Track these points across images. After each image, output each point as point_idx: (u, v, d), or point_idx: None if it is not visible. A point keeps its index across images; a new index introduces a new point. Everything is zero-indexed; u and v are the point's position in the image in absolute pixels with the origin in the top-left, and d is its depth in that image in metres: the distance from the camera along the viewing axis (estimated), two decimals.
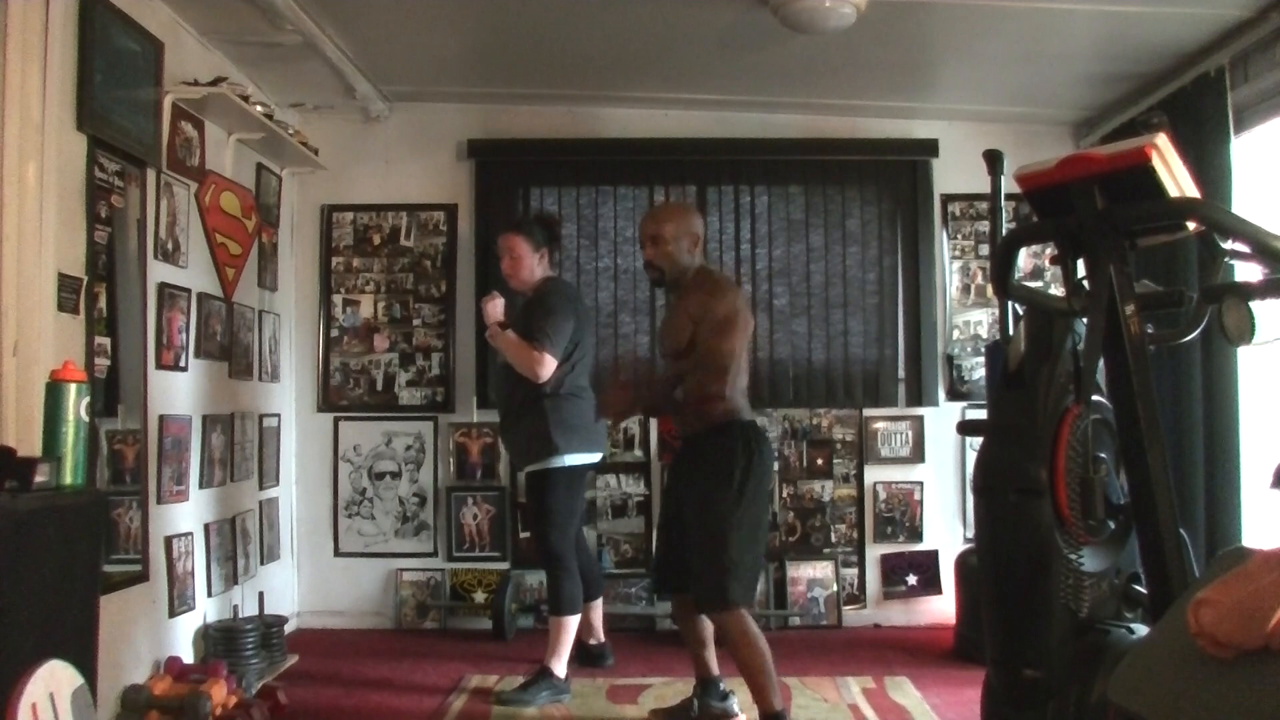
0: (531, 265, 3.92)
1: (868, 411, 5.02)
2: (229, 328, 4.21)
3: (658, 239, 3.34)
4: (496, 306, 3.85)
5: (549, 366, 3.73)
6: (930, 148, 5.04)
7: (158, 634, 3.55)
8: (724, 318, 3.17)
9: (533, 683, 3.72)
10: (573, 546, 3.87)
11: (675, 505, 3.36)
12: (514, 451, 4.08)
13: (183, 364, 3.80)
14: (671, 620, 4.71)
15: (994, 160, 3.64)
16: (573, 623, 3.83)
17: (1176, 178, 2.11)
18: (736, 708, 3.39)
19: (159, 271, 3.63)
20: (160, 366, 3.62)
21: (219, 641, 3.76)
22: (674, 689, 3.80)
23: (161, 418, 3.62)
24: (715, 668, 3.41)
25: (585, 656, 4.14)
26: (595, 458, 4.02)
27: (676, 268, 3.35)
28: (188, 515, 3.83)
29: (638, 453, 5.01)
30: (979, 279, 5.07)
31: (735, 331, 3.18)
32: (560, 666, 3.77)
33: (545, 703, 3.67)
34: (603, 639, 4.21)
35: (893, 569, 4.98)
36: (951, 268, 5.09)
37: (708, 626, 3.35)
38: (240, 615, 4.09)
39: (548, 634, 3.85)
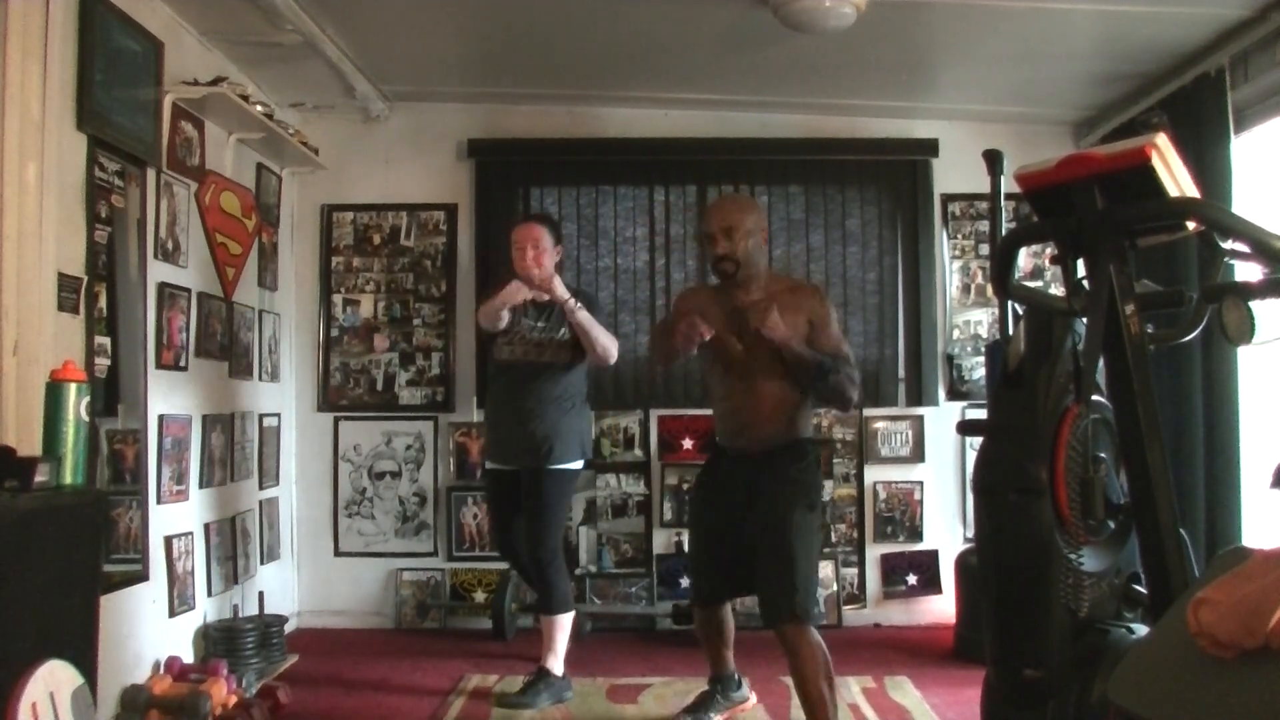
0: (552, 259, 3.86)
1: (868, 411, 5.02)
2: (229, 327, 4.21)
3: (732, 232, 3.12)
4: (558, 279, 3.76)
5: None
6: (930, 148, 5.04)
7: (158, 634, 3.54)
8: (838, 325, 3.22)
9: (531, 685, 3.70)
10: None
11: (735, 519, 3.15)
12: (526, 449, 3.80)
13: (183, 364, 3.80)
14: (685, 621, 4.72)
15: (994, 160, 3.63)
16: (568, 620, 3.82)
17: (1176, 178, 2.11)
18: (748, 690, 3.54)
19: (159, 271, 3.63)
20: (160, 366, 3.62)
21: (219, 641, 3.76)
22: (674, 689, 3.80)
23: (161, 418, 3.62)
24: (732, 664, 3.50)
25: None
26: None
27: (750, 263, 3.15)
28: (188, 515, 3.83)
29: (638, 452, 5.01)
30: (979, 279, 5.07)
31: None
32: (558, 665, 3.76)
33: (547, 704, 3.66)
34: None
35: (893, 569, 4.98)
36: (951, 268, 5.09)
37: (731, 627, 3.42)
38: (240, 615, 4.09)
39: (541, 633, 3.84)
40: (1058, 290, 2.92)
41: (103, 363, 3.22)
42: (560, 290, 3.71)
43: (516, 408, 3.85)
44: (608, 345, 3.79)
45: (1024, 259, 4.86)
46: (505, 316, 3.78)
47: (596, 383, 4.11)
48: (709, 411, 3.50)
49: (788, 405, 3.14)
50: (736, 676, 3.54)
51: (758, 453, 3.14)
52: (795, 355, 3.05)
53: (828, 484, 4.97)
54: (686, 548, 4.39)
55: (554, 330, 3.83)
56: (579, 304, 3.72)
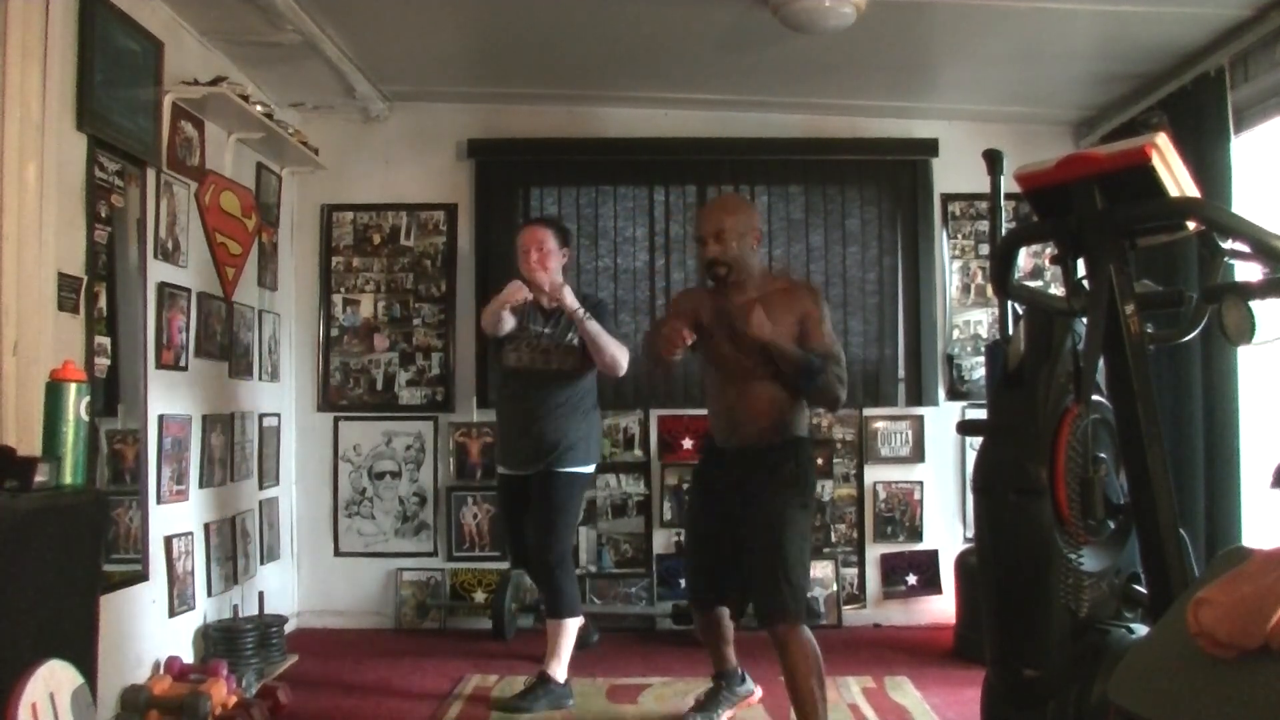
0: (559, 262, 3.84)
1: (868, 411, 5.02)
2: (229, 327, 4.21)
3: (722, 235, 3.13)
4: (567, 288, 3.69)
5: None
6: (930, 148, 5.03)
7: (158, 634, 3.54)
8: (831, 325, 3.19)
9: (531, 690, 3.64)
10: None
11: (730, 518, 3.16)
12: (536, 454, 3.77)
13: (183, 364, 3.80)
14: (685, 621, 4.72)
15: (994, 160, 3.63)
16: (574, 626, 3.75)
17: (1176, 177, 2.11)
18: (753, 684, 3.52)
19: (159, 271, 3.63)
20: (160, 366, 3.62)
21: (219, 641, 3.76)
22: (674, 689, 3.80)
23: (161, 418, 3.62)
24: (734, 660, 3.50)
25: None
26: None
27: (743, 265, 3.16)
28: (188, 515, 3.83)
29: (638, 452, 5.01)
30: (979, 279, 5.07)
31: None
32: (560, 671, 3.69)
33: (545, 709, 3.60)
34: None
35: (893, 569, 4.98)
36: (951, 268, 5.09)
37: (729, 626, 3.41)
38: (240, 615, 4.09)
39: (546, 637, 3.77)
40: (1058, 290, 2.92)
41: (103, 363, 3.22)
42: (570, 300, 3.67)
43: (525, 414, 3.80)
44: (617, 355, 3.71)
45: (1024, 259, 4.86)
46: (507, 319, 3.74)
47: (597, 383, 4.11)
48: (708, 411, 3.48)
49: (780, 404, 3.13)
50: (740, 671, 3.52)
51: (750, 452, 3.14)
52: (782, 353, 3.05)
53: (827, 484, 4.97)
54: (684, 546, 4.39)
55: (561, 336, 3.78)
56: (588, 314, 3.68)
